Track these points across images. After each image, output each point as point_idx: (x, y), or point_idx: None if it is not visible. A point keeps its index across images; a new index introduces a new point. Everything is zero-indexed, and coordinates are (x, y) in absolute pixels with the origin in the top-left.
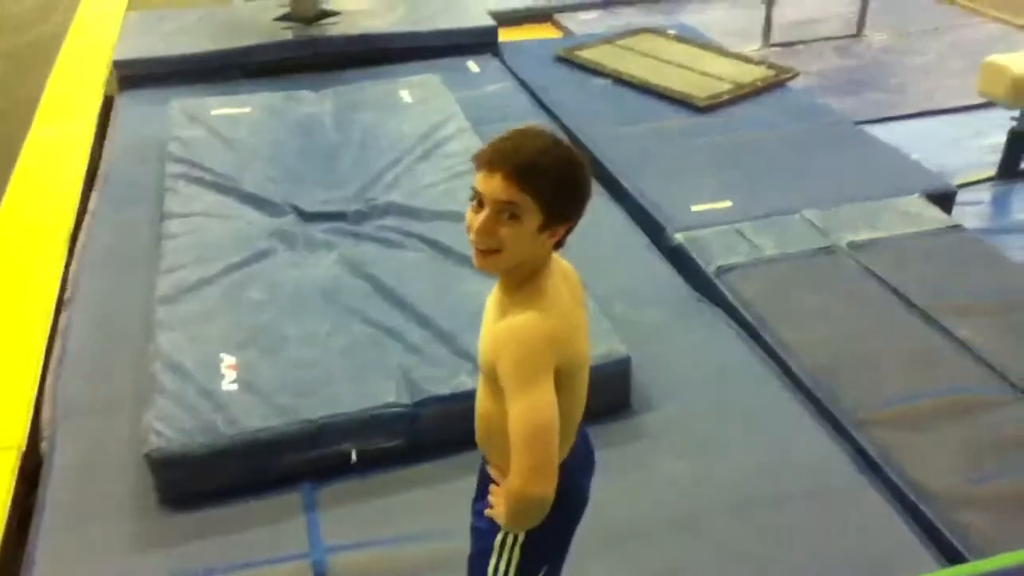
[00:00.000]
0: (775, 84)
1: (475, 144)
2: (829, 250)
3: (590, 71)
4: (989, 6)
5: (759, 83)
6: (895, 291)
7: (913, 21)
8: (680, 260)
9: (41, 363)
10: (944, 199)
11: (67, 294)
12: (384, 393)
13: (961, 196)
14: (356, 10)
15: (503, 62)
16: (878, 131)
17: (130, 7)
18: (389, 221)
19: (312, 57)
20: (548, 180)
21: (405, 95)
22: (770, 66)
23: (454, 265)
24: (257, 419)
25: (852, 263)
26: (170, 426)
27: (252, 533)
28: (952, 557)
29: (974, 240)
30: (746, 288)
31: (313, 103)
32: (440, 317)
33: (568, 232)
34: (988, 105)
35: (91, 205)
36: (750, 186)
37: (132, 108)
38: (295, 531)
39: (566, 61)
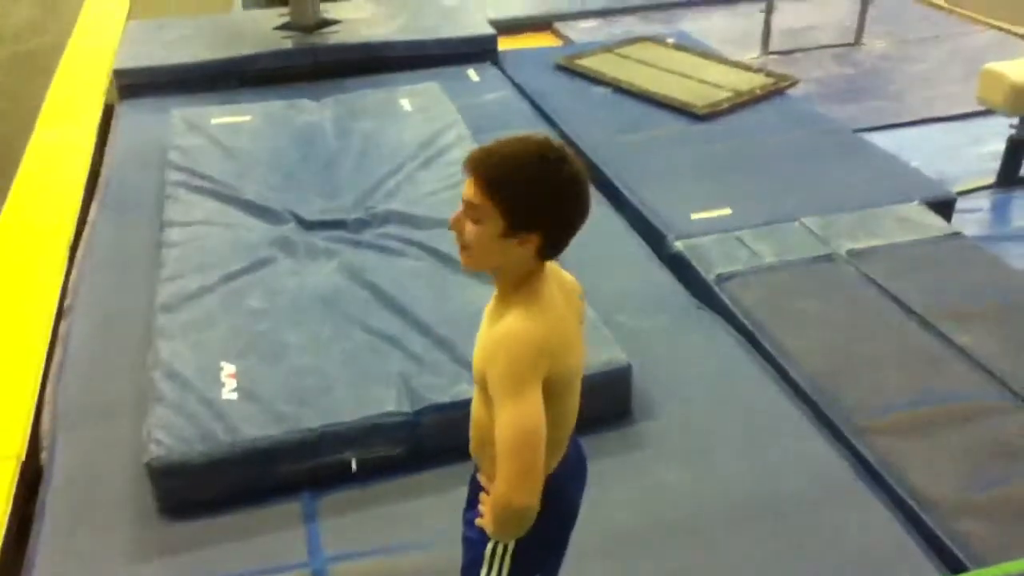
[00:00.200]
0: (774, 92)
1: None
2: (829, 258)
3: (590, 79)
4: (987, 14)
5: (758, 91)
6: (895, 298)
7: (911, 29)
8: (680, 268)
9: (41, 371)
10: (943, 206)
11: (67, 302)
12: (384, 401)
13: (960, 204)
14: (356, 19)
15: (503, 70)
16: (877, 139)
17: (131, 16)
18: (389, 229)
19: (312, 66)
20: (511, 189)
21: (405, 103)
22: (769, 74)
23: (454, 273)
24: (257, 427)
25: (852, 270)
26: (170, 434)
27: (252, 542)
28: (953, 565)
29: (973, 247)
30: (746, 295)
31: (313, 111)
32: (440, 325)
33: (550, 243)
34: (987, 113)
35: (91, 213)
36: (749, 194)
37: (132, 116)
38: (295, 540)
39: (566, 69)
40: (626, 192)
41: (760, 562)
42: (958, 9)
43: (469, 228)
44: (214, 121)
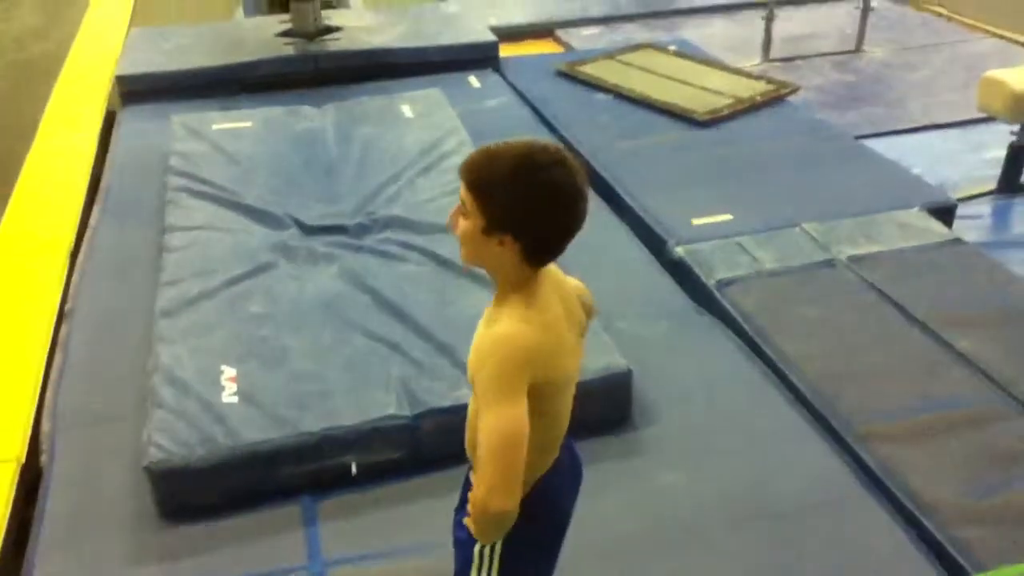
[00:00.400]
0: (775, 99)
1: None
2: (829, 263)
3: (591, 86)
4: (987, 22)
5: (759, 98)
6: (895, 304)
7: (912, 37)
8: (681, 273)
9: (41, 375)
10: (944, 213)
11: (68, 306)
12: (384, 405)
13: (961, 210)
14: (357, 26)
15: (504, 77)
16: (878, 145)
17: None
18: (390, 234)
19: (313, 72)
20: (486, 189)
21: (406, 110)
22: (770, 81)
23: (454, 278)
24: (257, 432)
25: (852, 276)
26: (170, 439)
27: (252, 546)
28: (953, 571)
29: (974, 253)
30: (747, 301)
31: (314, 118)
32: (440, 330)
33: (530, 246)
34: (987, 119)
35: (92, 218)
36: (750, 200)
37: (134, 122)
38: (295, 544)
39: (567, 76)
40: (627, 198)
41: (760, 568)
42: (958, 16)
43: (460, 222)
44: (215, 127)
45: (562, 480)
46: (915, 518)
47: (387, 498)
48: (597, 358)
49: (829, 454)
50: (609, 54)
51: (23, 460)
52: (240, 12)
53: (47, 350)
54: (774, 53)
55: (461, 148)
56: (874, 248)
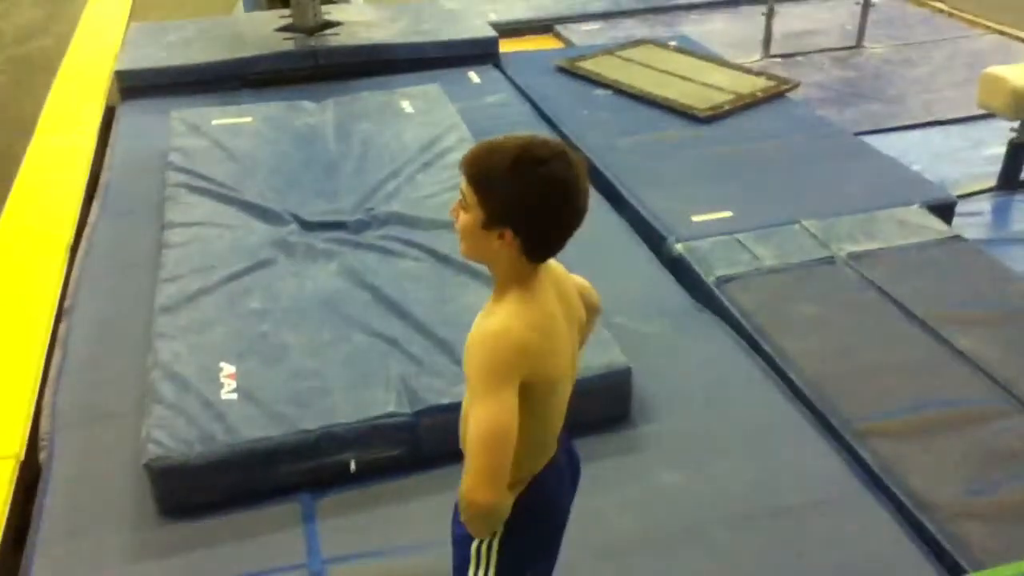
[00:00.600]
0: (775, 95)
1: None
2: (829, 260)
3: (591, 82)
4: (988, 18)
5: (759, 94)
6: (895, 301)
7: (912, 33)
8: (680, 270)
9: (40, 372)
10: (944, 210)
11: (67, 303)
12: (384, 403)
13: (961, 207)
14: (357, 21)
15: (504, 73)
16: (878, 142)
17: (132, 18)
18: (390, 231)
19: (313, 68)
20: (486, 184)
21: (406, 105)
22: (770, 77)
23: (454, 275)
24: (256, 429)
25: (852, 273)
26: (169, 436)
27: (251, 543)
28: (952, 569)
29: (974, 250)
30: (746, 298)
31: (314, 113)
32: (440, 327)
33: (529, 241)
34: (987, 116)
35: (92, 214)
36: (750, 196)
37: (133, 118)
38: (294, 541)
39: (567, 72)
40: (626, 194)
41: (759, 565)
42: (958, 13)
43: (461, 216)
44: (215, 122)
45: (559, 478)
46: (914, 516)
47: (386, 496)
48: (596, 355)
49: (828, 452)
50: (609, 50)
51: (22, 457)
52: (240, 7)
53: (46, 347)
54: (774, 49)
55: (461, 144)
56: (874, 245)
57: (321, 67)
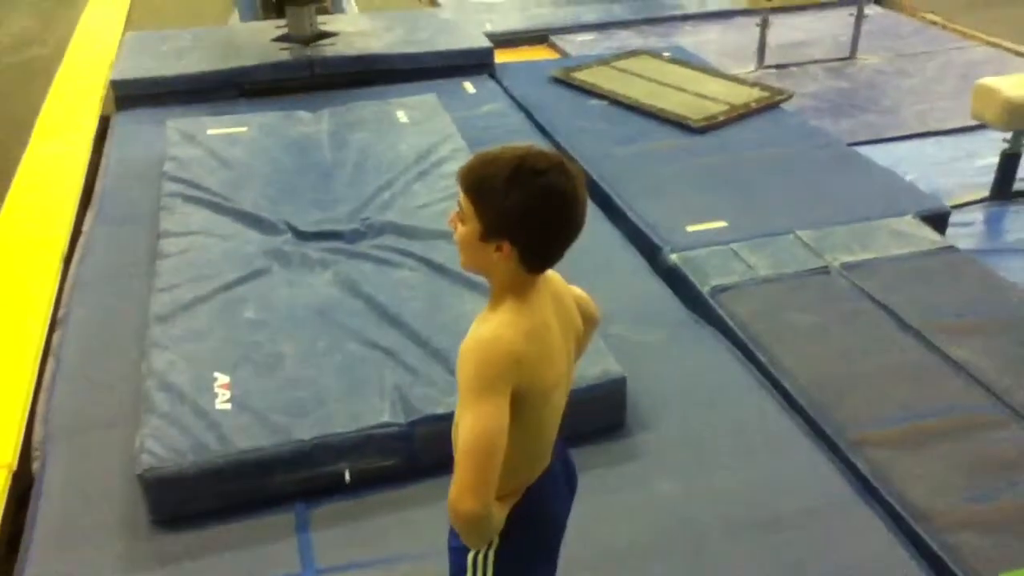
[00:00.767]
0: (769, 105)
1: None
2: (823, 270)
3: (586, 92)
4: (980, 30)
5: (753, 104)
6: (889, 311)
7: (906, 44)
8: (675, 280)
9: (33, 381)
10: (938, 220)
11: (60, 312)
12: (378, 412)
13: (954, 217)
14: (353, 31)
15: (499, 83)
16: (871, 152)
17: (128, 27)
18: (385, 240)
19: (309, 77)
20: (484, 196)
21: (401, 115)
22: (764, 88)
23: (449, 284)
24: (250, 439)
25: (846, 283)
26: (163, 445)
27: (245, 553)
28: None
29: (968, 260)
30: (741, 308)
31: (309, 123)
32: (435, 336)
33: (527, 253)
34: (980, 127)
35: (86, 224)
36: (745, 206)
37: (128, 127)
38: (288, 551)
39: (562, 82)
40: (621, 204)
41: (755, 574)
42: (951, 24)
43: (459, 228)
44: (210, 132)
45: (554, 488)
46: (909, 525)
47: (381, 505)
48: (592, 365)
49: (823, 461)
50: (604, 60)
51: (15, 467)
52: (236, 17)
53: (39, 356)
54: (769, 60)
55: (456, 154)
56: (868, 255)
57: (317, 77)
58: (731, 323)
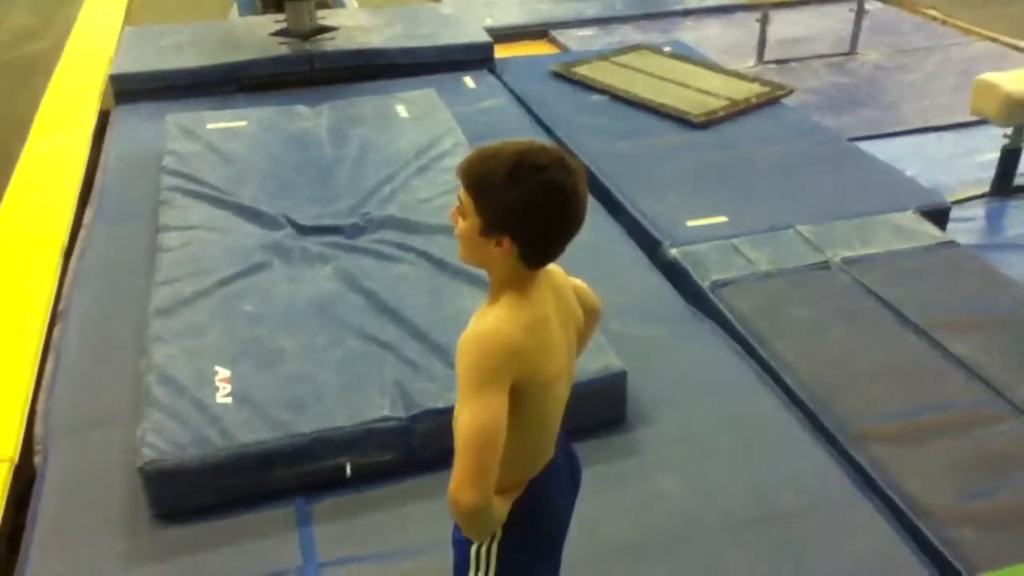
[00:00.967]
0: (769, 101)
1: None
2: (824, 265)
3: (586, 87)
4: (980, 25)
5: (753, 100)
6: (890, 306)
7: (906, 39)
8: (675, 275)
9: (34, 375)
10: (938, 215)
11: (61, 306)
12: (379, 406)
13: (955, 212)
14: (353, 25)
15: (499, 78)
16: (872, 148)
17: (127, 22)
18: (385, 235)
19: (308, 72)
20: (484, 191)
21: (401, 110)
22: (764, 83)
23: (449, 279)
24: (251, 433)
25: (847, 279)
26: (163, 439)
27: (246, 547)
28: (947, 573)
29: (968, 256)
30: (741, 303)
31: (309, 117)
32: (435, 331)
33: (526, 248)
34: (981, 122)
35: (86, 218)
36: (745, 201)
37: (128, 122)
38: (289, 545)
39: (562, 77)
40: (622, 199)
41: (754, 570)
42: (952, 20)
43: (459, 222)
44: (209, 126)
45: (557, 482)
46: (910, 520)
47: (382, 499)
48: (592, 359)
49: (823, 456)
50: (604, 55)
51: (16, 461)
52: (235, 11)
53: (40, 350)
54: (769, 55)
55: (456, 149)
56: (868, 250)
57: (316, 71)
58: (731, 318)
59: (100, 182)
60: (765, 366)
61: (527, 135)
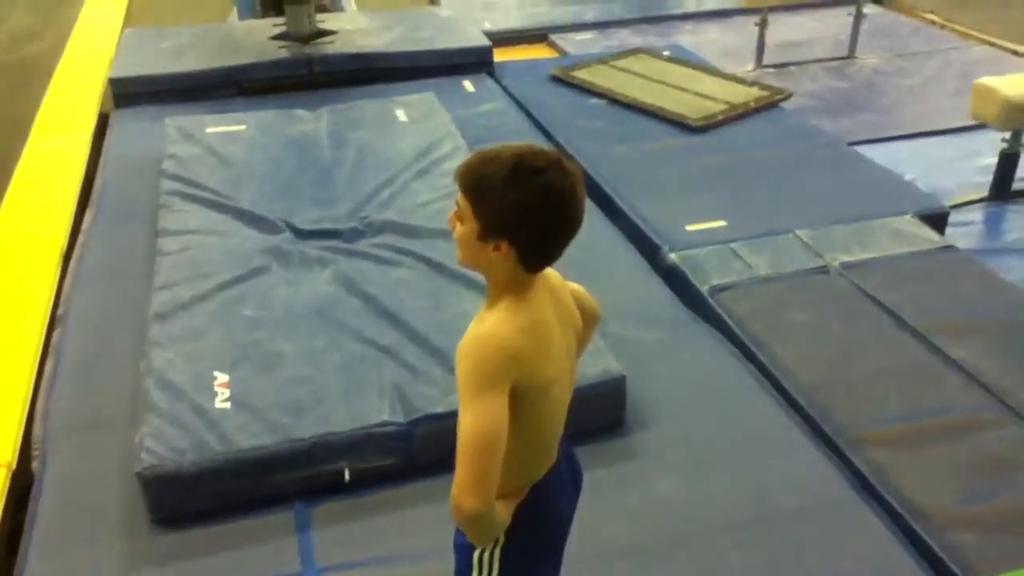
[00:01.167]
0: (768, 105)
1: None
2: (822, 270)
3: (585, 91)
4: (979, 30)
5: (752, 104)
6: (888, 311)
7: (905, 44)
8: (674, 279)
9: (33, 379)
10: (937, 219)
11: (60, 310)
12: (378, 411)
13: (954, 216)
14: (352, 29)
15: (498, 82)
16: (871, 152)
17: (127, 24)
18: (384, 239)
19: (308, 75)
20: (482, 196)
21: (400, 114)
22: (763, 87)
23: (449, 283)
24: (250, 437)
25: (845, 283)
26: (162, 444)
27: (244, 552)
28: None
29: (967, 260)
30: (740, 307)
31: (308, 121)
32: (434, 335)
33: (525, 252)
34: (979, 127)
35: (85, 222)
36: (744, 206)
37: (127, 125)
38: (288, 551)
39: (561, 81)
40: (621, 203)
41: (754, 574)
42: (951, 24)
43: (457, 227)
44: (209, 130)
45: (560, 486)
46: (908, 524)
47: (381, 504)
48: (591, 363)
49: (822, 460)
50: (603, 59)
51: (14, 466)
52: (234, 15)
53: (39, 354)
54: (767, 59)
55: (455, 152)
56: (867, 255)
57: (316, 75)
58: (730, 322)
59: (99, 185)
60: (764, 370)
61: (526, 139)
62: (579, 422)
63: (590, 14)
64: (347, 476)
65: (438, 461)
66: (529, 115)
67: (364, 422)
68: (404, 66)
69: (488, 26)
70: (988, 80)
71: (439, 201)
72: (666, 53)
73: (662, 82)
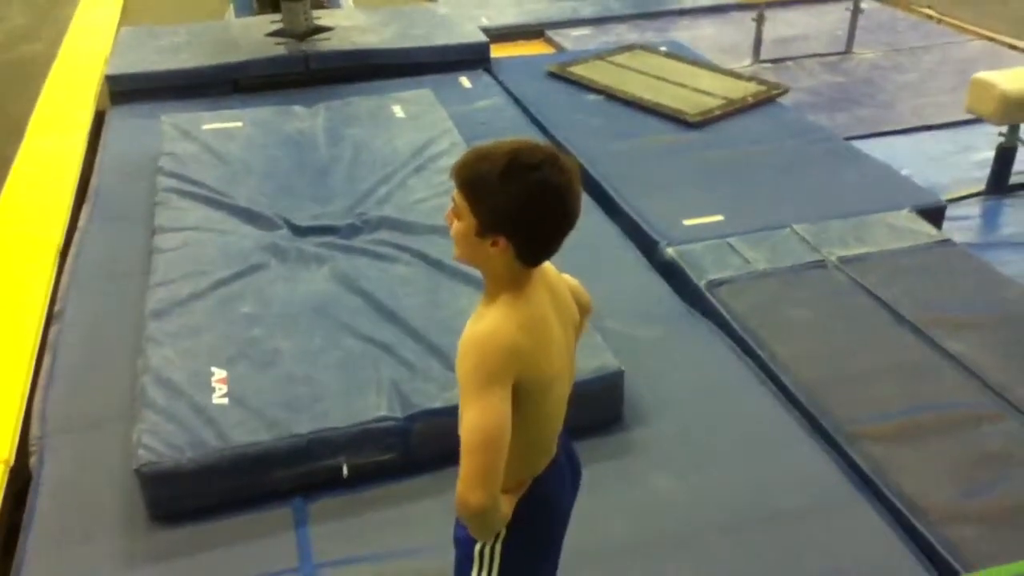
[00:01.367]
0: (765, 100)
1: None
2: (820, 264)
3: (582, 87)
4: (976, 24)
5: (749, 99)
6: (886, 305)
7: (901, 39)
8: (672, 274)
9: (30, 377)
10: (934, 214)
11: (57, 307)
12: (375, 407)
13: (951, 211)
14: (349, 26)
15: (495, 78)
16: (868, 147)
17: (123, 22)
18: (381, 235)
19: (304, 72)
20: (478, 192)
21: (397, 110)
22: (760, 82)
23: (446, 279)
24: (247, 434)
25: (843, 277)
26: (160, 441)
27: (243, 548)
28: (944, 571)
29: (964, 254)
30: (737, 302)
31: (305, 118)
32: (432, 331)
33: (522, 247)
34: (976, 121)
35: (81, 219)
36: (741, 201)
37: (124, 123)
38: (286, 546)
39: (558, 77)
40: (618, 199)
41: (751, 569)
42: (947, 19)
43: (454, 223)
44: (205, 127)
45: (560, 480)
46: (906, 519)
47: (379, 500)
48: (589, 358)
49: (820, 455)
50: (600, 55)
51: (12, 463)
52: (231, 12)
53: (36, 351)
54: (764, 54)
55: (453, 149)
56: (864, 249)
57: (312, 72)
58: (728, 317)
59: (96, 183)
60: (762, 365)
61: (523, 135)
62: (576, 418)
63: (587, 10)
64: (345, 472)
65: (435, 457)
66: (526, 111)
67: (362, 418)
68: (401, 63)
69: (485, 22)
70: (985, 75)
71: (436, 197)
72: (663, 49)
73: (659, 78)
